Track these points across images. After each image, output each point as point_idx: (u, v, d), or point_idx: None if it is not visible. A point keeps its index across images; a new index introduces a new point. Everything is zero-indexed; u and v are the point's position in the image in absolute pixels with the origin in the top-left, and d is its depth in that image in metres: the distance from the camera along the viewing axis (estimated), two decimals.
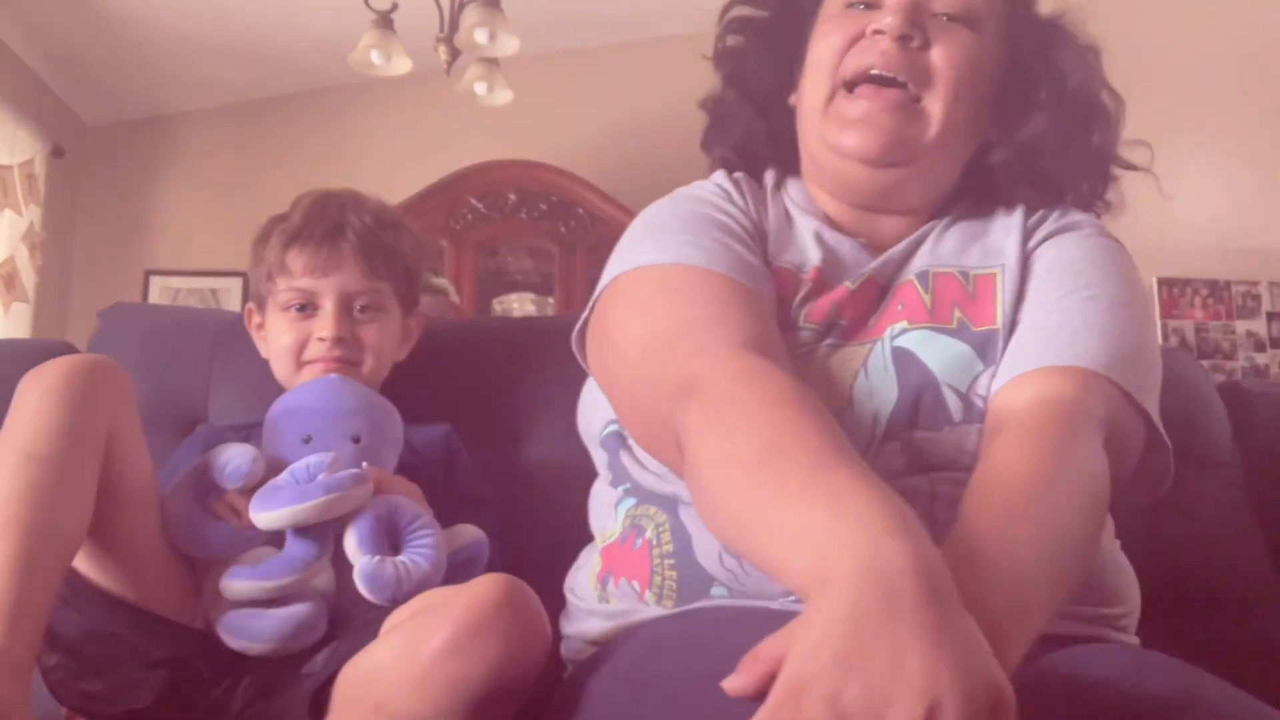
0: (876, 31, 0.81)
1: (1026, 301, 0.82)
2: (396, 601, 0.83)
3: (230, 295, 3.99)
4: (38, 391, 0.83)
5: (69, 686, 0.85)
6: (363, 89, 3.97)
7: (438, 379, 1.20)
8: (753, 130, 0.93)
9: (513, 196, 3.77)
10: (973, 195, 0.90)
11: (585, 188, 3.72)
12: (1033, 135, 0.85)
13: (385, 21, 2.90)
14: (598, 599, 0.84)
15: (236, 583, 0.87)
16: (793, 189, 0.91)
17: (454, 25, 2.88)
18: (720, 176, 0.91)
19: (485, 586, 0.71)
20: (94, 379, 0.85)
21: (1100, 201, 0.92)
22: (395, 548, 0.89)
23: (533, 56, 3.41)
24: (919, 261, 0.86)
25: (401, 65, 2.95)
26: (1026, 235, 0.85)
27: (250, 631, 0.86)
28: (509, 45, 2.85)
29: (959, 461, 0.76)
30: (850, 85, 0.83)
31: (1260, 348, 4.07)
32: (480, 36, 2.80)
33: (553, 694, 0.76)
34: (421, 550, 0.88)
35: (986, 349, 0.80)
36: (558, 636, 0.88)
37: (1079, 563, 0.65)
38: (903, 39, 0.80)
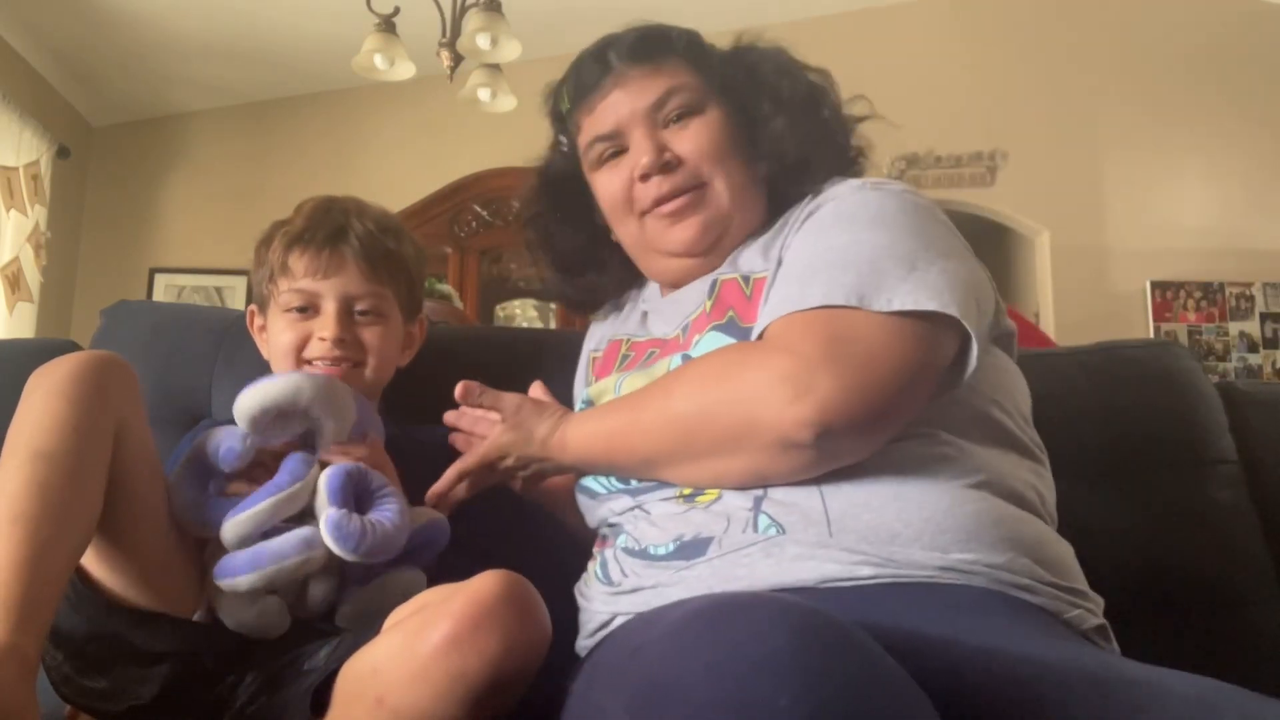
0: (643, 176, 0.97)
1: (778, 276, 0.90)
2: (358, 554, 0.87)
3: (234, 293, 4.02)
4: (44, 389, 0.83)
5: (72, 683, 0.86)
6: (367, 93, 3.99)
7: (441, 384, 1.21)
8: (587, 281, 1.13)
9: (516, 203, 3.77)
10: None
11: None
12: (779, 137, 0.98)
13: (388, 25, 2.91)
14: (599, 579, 0.90)
15: (230, 522, 0.89)
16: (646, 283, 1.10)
17: (456, 30, 2.89)
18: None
19: (485, 582, 0.72)
20: (101, 375, 0.85)
21: (855, 157, 1.03)
22: (362, 509, 0.91)
23: (534, 61, 3.42)
24: (715, 274, 0.98)
25: (405, 70, 2.96)
26: (783, 229, 0.94)
27: (235, 565, 0.87)
28: (511, 50, 2.86)
29: None
30: (649, 212, 0.99)
31: (1253, 348, 4.09)
32: (482, 41, 2.80)
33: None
34: (386, 513, 0.91)
35: (738, 333, 0.88)
36: (560, 633, 0.89)
37: (639, 447, 0.85)
38: (663, 168, 0.97)
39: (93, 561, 0.87)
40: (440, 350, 1.21)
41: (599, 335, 1.15)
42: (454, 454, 1.11)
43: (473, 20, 2.83)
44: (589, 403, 1.03)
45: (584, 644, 0.90)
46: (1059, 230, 4.20)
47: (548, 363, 1.20)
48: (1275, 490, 1.21)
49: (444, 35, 2.87)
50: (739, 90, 1.00)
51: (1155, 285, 4.08)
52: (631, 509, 0.91)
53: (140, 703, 0.85)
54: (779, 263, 0.90)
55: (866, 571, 0.74)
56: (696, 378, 0.83)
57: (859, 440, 0.78)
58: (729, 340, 0.88)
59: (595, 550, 0.97)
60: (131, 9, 3.46)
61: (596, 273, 1.12)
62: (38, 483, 0.78)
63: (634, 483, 0.90)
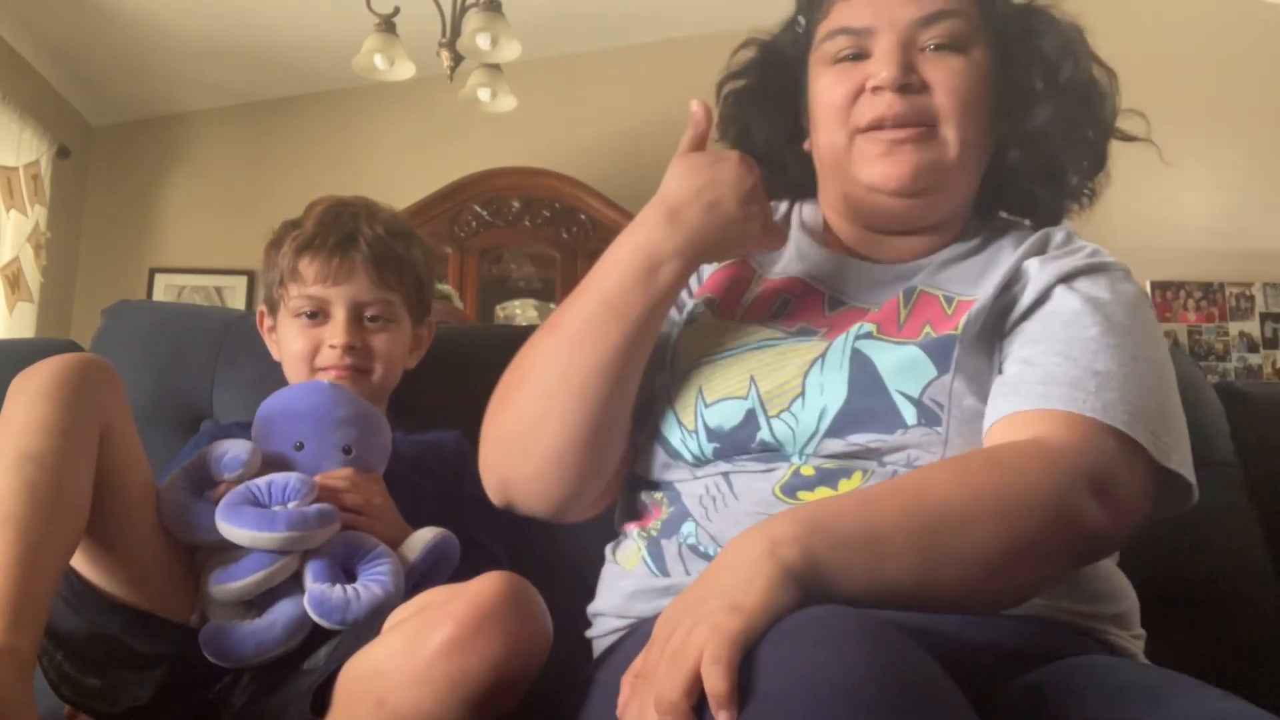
0: (876, 88, 0.85)
1: (1041, 330, 0.80)
2: (346, 624, 0.85)
3: (234, 293, 4.02)
4: (28, 392, 0.83)
5: (72, 683, 0.86)
6: (367, 93, 3.99)
7: (446, 385, 1.21)
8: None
9: (516, 203, 3.78)
10: (987, 208, 0.93)
11: (588, 193, 3.73)
12: (1040, 125, 0.88)
13: (388, 26, 2.91)
14: (648, 566, 0.85)
15: (217, 588, 0.88)
16: (805, 210, 1.00)
17: (456, 30, 2.89)
18: None
19: (487, 584, 0.72)
20: (84, 378, 0.85)
21: (1092, 183, 0.94)
22: (351, 578, 0.90)
23: (534, 61, 3.42)
24: (913, 280, 0.88)
25: (405, 70, 2.96)
26: (1023, 257, 0.85)
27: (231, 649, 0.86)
28: (510, 50, 2.86)
29: (914, 462, 0.78)
30: (864, 131, 0.87)
31: (1253, 348, 4.08)
32: (482, 42, 2.81)
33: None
34: (376, 578, 0.89)
35: (940, 353, 0.79)
36: (564, 631, 0.89)
37: (961, 560, 0.67)
38: (903, 88, 0.84)
39: (84, 563, 0.87)
40: (440, 351, 1.21)
41: None
42: (465, 461, 1.09)
43: (473, 20, 2.83)
44: (695, 310, 0.94)
45: (608, 627, 0.87)
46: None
47: None
48: (1275, 491, 1.20)
49: (444, 35, 2.88)
50: (1011, 47, 0.89)
51: (1155, 285, 4.08)
52: (714, 475, 0.83)
53: (138, 704, 0.85)
54: (1020, 306, 0.82)
55: None
56: (989, 467, 0.71)
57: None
58: (905, 348, 0.80)
59: (632, 524, 0.89)
60: (131, 9, 3.46)
61: (771, 173, 0.96)
62: (25, 485, 0.78)
63: (730, 460, 0.82)
